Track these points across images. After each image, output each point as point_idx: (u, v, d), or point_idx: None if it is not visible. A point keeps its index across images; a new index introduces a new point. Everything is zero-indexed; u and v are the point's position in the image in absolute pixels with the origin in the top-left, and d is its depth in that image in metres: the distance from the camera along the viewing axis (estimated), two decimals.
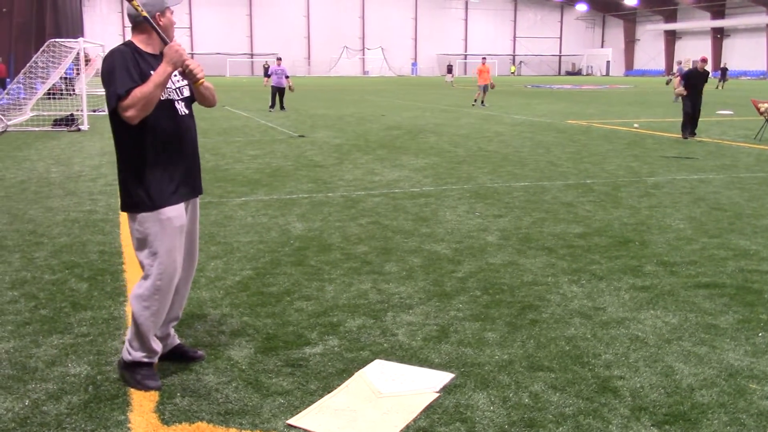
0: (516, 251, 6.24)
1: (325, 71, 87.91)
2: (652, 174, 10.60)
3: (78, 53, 20.37)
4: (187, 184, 3.72)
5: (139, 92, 3.35)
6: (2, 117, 17.51)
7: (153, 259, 3.60)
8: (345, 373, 3.81)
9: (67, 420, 3.29)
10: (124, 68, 3.41)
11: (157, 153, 3.58)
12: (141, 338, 3.63)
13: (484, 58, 29.76)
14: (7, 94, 22.01)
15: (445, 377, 3.74)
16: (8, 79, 29.78)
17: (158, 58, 3.55)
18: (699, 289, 5.21)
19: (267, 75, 24.99)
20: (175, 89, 3.67)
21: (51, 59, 21.63)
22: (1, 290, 5.15)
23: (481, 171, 10.82)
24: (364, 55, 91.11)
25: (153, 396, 3.53)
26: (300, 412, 3.38)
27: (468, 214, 7.75)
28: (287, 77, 24.35)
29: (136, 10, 3.51)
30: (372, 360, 3.97)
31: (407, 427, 3.24)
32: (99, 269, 5.68)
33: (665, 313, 4.73)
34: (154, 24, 3.53)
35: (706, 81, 16.21)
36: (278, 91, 24.38)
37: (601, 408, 3.43)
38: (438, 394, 3.56)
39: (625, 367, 3.88)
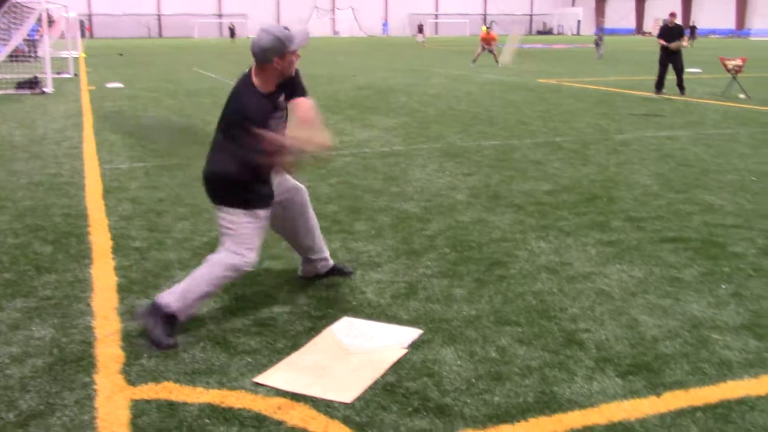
0: (485, 209, 6.25)
1: None
2: (620, 131, 10.65)
3: (40, 15, 19.84)
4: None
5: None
6: None
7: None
8: (313, 331, 3.81)
9: (31, 383, 3.26)
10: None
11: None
12: (197, 298, 3.72)
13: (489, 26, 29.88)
14: None
15: (413, 333, 3.76)
16: None
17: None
18: (664, 244, 5.27)
19: (232, 36, 24.55)
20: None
21: (13, 21, 21.06)
22: None
23: (451, 130, 10.79)
24: (334, 15, 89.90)
25: (119, 358, 3.51)
26: (268, 370, 3.37)
27: (437, 172, 7.74)
28: None
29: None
30: (340, 318, 3.97)
31: (375, 382, 3.26)
32: (63, 232, 5.59)
33: (631, 267, 4.78)
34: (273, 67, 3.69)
35: (681, 36, 16.27)
36: None
37: (566, 360, 3.47)
38: (406, 350, 3.57)
39: (590, 320, 3.93)
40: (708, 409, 3.03)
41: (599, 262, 4.87)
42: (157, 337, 3.60)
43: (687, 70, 16.94)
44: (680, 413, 3.00)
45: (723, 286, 4.44)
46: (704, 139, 10.02)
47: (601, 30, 34.16)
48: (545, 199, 6.56)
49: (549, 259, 4.93)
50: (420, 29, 52.84)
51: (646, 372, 3.35)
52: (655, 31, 17.28)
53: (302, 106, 3.84)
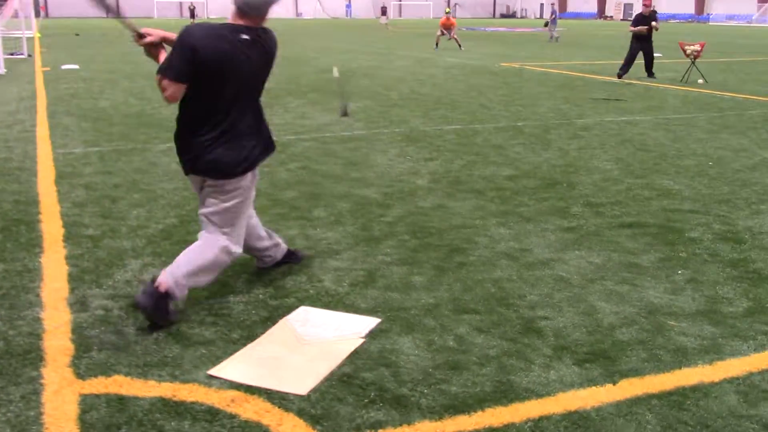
0: (445, 194, 6.22)
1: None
2: (581, 116, 10.70)
3: None
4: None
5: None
6: None
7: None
8: (269, 321, 3.74)
9: None
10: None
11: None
12: (205, 277, 3.76)
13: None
14: None
15: (370, 322, 3.71)
16: None
17: None
18: (623, 229, 5.30)
19: (192, 16, 24.07)
20: None
21: None
22: None
23: (414, 114, 10.74)
24: None
25: (68, 350, 3.41)
26: (222, 362, 3.31)
27: (399, 158, 7.69)
28: None
29: None
30: (297, 307, 3.91)
31: (331, 373, 3.21)
32: (13, 219, 5.43)
33: (589, 253, 4.79)
34: None
35: (655, 20, 16.41)
36: None
37: (524, 348, 3.45)
38: (363, 340, 3.53)
39: (549, 308, 3.92)
40: (664, 396, 3.04)
41: (558, 249, 4.87)
42: (167, 317, 3.63)
43: None
44: (636, 401, 3.00)
45: (679, 272, 4.47)
46: (664, 123, 10.11)
47: (554, 12, 34.23)
48: (506, 185, 6.55)
49: (509, 246, 4.92)
50: (383, 11, 52.54)
51: (602, 360, 3.35)
52: (617, 15, 17.34)
53: None
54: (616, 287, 4.22)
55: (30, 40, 24.65)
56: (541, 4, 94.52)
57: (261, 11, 3.58)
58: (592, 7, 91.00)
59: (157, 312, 3.58)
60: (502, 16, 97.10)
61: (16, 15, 31.26)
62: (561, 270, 4.48)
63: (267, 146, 3.89)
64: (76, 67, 18.33)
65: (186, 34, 3.51)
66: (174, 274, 3.62)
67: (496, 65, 19.70)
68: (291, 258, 4.49)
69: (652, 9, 16.60)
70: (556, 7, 35.14)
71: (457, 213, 5.67)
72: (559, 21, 38.17)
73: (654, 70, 16.59)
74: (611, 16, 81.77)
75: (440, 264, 4.57)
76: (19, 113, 10.75)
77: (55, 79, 15.24)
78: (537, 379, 3.18)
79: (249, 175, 3.78)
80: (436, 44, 27.76)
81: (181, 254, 3.76)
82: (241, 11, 3.56)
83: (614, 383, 3.14)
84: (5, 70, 17.04)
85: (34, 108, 11.19)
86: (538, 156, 7.81)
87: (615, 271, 4.48)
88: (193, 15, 61.05)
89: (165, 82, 3.49)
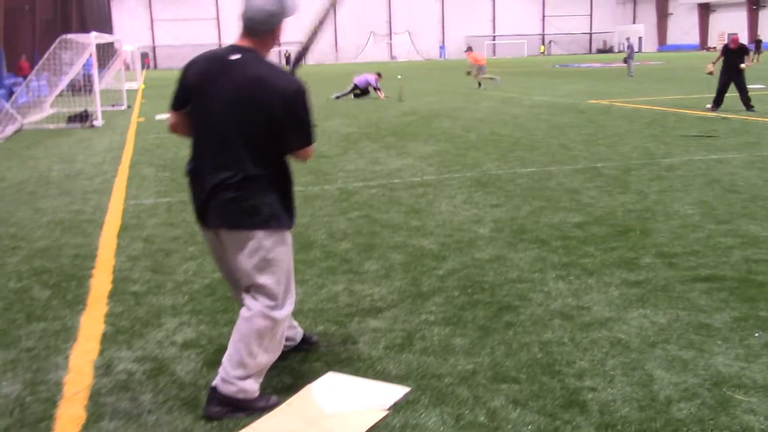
0: (506, 244, 5.89)
1: (352, 57, 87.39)
2: (667, 155, 10.12)
3: (101, 49, 20.32)
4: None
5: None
6: (18, 116, 17.51)
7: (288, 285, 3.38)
8: (292, 388, 3.52)
9: None
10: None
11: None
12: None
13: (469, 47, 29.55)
14: (30, 91, 22.07)
15: (398, 392, 3.44)
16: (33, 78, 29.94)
17: None
18: (696, 283, 4.83)
19: (287, 63, 24.60)
20: None
21: (77, 55, 21.61)
22: None
23: (489, 157, 10.43)
24: (391, 40, 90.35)
25: (80, 419, 3.29)
26: None
27: (465, 204, 7.40)
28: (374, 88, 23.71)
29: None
30: (325, 371, 3.68)
31: None
32: (67, 275, 5.47)
33: (655, 311, 4.35)
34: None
35: (742, 57, 15.68)
36: (358, 90, 23.70)
37: (563, 426, 3.09)
38: (387, 412, 3.25)
39: (598, 377, 3.54)
40: None
41: (620, 306, 4.46)
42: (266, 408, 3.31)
43: (751, 86, 16.28)
44: None
45: (757, 334, 3.98)
46: (758, 161, 9.42)
47: (630, 47, 33.36)
48: (573, 233, 6.15)
49: (565, 303, 4.54)
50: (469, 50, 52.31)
51: None
52: (721, 46, 16.54)
53: None
54: (680, 352, 3.79)
55: (134, 92, 25.81)
56: (640, 38, 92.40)
57: (259, 26, 3.17)
58: (694, 39, 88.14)
59: (230, 414, 3.25)
60: (599, 51, 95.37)
61: (127, 68, 32.99)
62: (619, 331, 4.07)
63: (222, 216, 3.22)
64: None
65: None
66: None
67: (584, 102, 19.14)
68: (307, 342, 3.95)
69: (740, 44, 15.87)
70: (633, 42, 34.46)
71: (515, 265, 5.33)
72: (658, 54, 37.26)
73: (756, 102, 15.73)
74: (714, 47, 78.82)
75: (486, 324, 4.25)
76: (104, 164, 11.10)
77: (146, 130, 15.77)
78: None
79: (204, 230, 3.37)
80: (479, 84, 27.02)
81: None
82: (243, 27, 3.22)
83: None
84: (103, 122, 17.83)
85: (119, 159, 11.55)
86: (614, 200, 7.36)
87: (681, 332, 4.04)
88: (288, 62, 63.03)
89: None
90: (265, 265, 3.22)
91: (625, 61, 33.21)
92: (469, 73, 27.98)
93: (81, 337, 4.26)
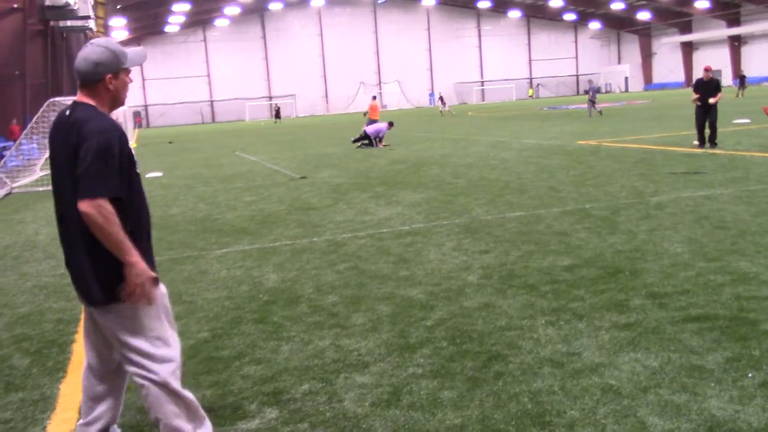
0: (495, 291, 5.81)
1: (343, 108, 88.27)
2: (656, 193, 10.11)
3: None
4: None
5: (112, 220, 2.95)
6: (7, 180, 17.51)
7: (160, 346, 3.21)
8: None
9: None
10: (117, 161, 3.00)
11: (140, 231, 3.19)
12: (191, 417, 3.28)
13: (374, 97, 31.41)
14: (20, 155, 22.14)
15: None
16: (24, 141, 30.10)
17: None
18: (688, 323, 4.75)
19: (277, 117, 25.03)
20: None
21: None
22: None
23: (478, 202, 10.42)
24: (381, 89, 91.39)
25: None
26: None
27: (453, 251, 7.35)
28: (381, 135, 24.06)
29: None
30: None
31: None
32: (48, 341, 5.37)
33: (646, 355, 4.27)
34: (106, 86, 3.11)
35: (717, 90, 15.87)
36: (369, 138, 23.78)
37: None
38: None
39: (590, 426, 3.44)
40: None
41: (611, 351, 4.37)
42: None
43: (735, 121, 16.41)
44: None
45: (750, 375, 3.90)
46: (746, 196, 9.41)
47: (592, 89, 34.54)
48: (563, 276, 6.09)
49: (555, 349, 4.45)
50: (441, 100, 53.10)
51: None
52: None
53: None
54: (672, 397, 3.69)
55: None
56: (626, 78, 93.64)
57: (87, 76, 3.08)
58: (679, 76, 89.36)
59: None
60: (585, 92, 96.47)
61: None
62: (611, 377, 3.98)
63: (76, 283, 3.17)
64: (160, 174, 19.01)
65: None
66: None
67: (572, 144, 19.25)
68: None
69: (711, 76, 16.08)
70: (596, 84, 36.00)
71: (503, 312, 5.25)
72: (645, 93, 38.41)
73: (742, 137, 15.92)
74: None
75: (475, 375, 4.15)
76: None
77: None
78: None
79: None
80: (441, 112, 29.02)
81: None
82: (78, 81, 3.14)
83: None
84: None
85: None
86: (603, 241, 7.31)
87: (673, 376, 3.95)
88: (278, 115, 63.62)
89: None
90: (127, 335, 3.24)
91: (592, 102, 34.10)
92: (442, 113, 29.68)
93: (59, 406, 4.15)
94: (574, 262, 6.54)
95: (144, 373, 3.17)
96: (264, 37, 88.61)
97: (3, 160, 19.42)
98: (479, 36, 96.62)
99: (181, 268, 7.48)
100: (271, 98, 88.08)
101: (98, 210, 2.92)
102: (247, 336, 5.15)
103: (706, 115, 15.86)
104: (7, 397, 4.32)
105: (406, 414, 3.71)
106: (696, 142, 16.13)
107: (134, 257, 3.00)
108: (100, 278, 3.07)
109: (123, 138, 3.06)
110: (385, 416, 3.71)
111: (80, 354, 5.01)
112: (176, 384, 3.22)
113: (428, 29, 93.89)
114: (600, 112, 34.37)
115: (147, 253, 3.18)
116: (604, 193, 10.42)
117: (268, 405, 3.94)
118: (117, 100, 3.20)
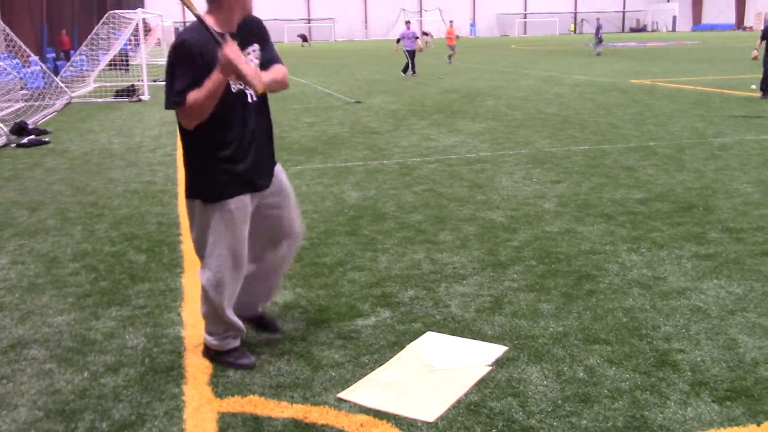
0: (573, 218, 6.09)
1: (382, 34, 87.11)
2: (718, 135, 10.21)
3: (137, 24, 20.67)
4: (254, 174, 3.50)
5: (192, 99, 3.14)
6: (66, 89, 17.92)
7: (212, 251, 3.47)
8: (396, 345, 3.79)
9: (124, 392, 3.36)
10: (185, 64, 3.16)
11: (225, 143, 3.38)
12: (214, 325, 3.61)
13: (451, 22, 33.24)
14: (71, 66, 22.50)
15: (497, 350, 3.69)
16: (72, 51, 30.45)
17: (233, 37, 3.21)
18: (766, 257, 5.01)
19: (398, 40, 25.37)
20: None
21: (112, 30, 22.00)
22: (64, 262, 5.29)
23: (540, 135, 10.60)
24: (421, 17, 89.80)
25: (207, 369, 3.58)
26: (351, 385, 3.37)
27: (525, 180, 7.61)
28: (417, 38, 25.05)
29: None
30: (424, 332, 3.94)
31: (458, 401, 3.21)
32: (157, 240, 5.77)
33: (729, 282, 4.55)
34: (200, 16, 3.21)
35: None
36: (411, 55, 24.35)
37: (659, 383, 3.32)
38: (490, 368, 3.51)
39: (685, 340, 3.76)
40: None
41: (695, 277, 4.66)
42: (234, 367, 3.58)
43: None
44: None
45: None
46: None
47: (599, 26, 34.84)
48: (637, 209, 6.34)
49: (641, 273, 4.75)
50: (425, 33, 52.28)
51: (745, 398, 3.17)
52: (757, 26, 16.25)
53: (280, 70, 3.44)
54: (759, 320, 3.99)
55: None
56: (674, 17, 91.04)
57: None
58: (729, 18, 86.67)
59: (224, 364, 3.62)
60: (632, 30, 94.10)
61: (158, 44, 33.36)
62: (698, 300, 4.28)
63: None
64: None
65: None
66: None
67: (625, 82, 19.14)
68: (263, 325, 4.02)
69: None
70: (602, 23, 35.42)
71: (585, 238, 5.54)
72: (693, 33, 37.61)
73: None
74: (751, 27, 77.43)
75: (569, 291, 4.47)
76: (161, 137, 11.43)
77: None
78: (673, 416, 3.05)
79: None
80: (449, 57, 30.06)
81: None
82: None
83: (758, 424, 2.97)
84: (149, 96, 18.18)
85: (175, 132, 11.85)
86: (672, 178, 7.51)
87: (758, 302, 4.24)
88: (306, 39, 63.52)
89: None
90: (192, 228, 3.54)
91: (599, 39, 33.75)
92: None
93: (187, 297, 4.55)
94: (647, 196, 6.77)
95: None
96: None
97: (63, 70, 19.79)
98: None
99: None
100: (309, 21, 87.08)
101: (181, 117, 3.32)
102: (344, 246, 5.50)
103: None
104: (135, 287, 4.73)
105: (510, 321, 4.06)
106: (754, 86, 15.96)
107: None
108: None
109: None
110: (492, 321, 4.05)
111: (191, 253, 5.40)
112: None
113: None
114: (598, 54, 33.77)
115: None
116: (666, 132, 10.53)
117: (380, 306, 4.31)
118: (244, 9, 3.36)
